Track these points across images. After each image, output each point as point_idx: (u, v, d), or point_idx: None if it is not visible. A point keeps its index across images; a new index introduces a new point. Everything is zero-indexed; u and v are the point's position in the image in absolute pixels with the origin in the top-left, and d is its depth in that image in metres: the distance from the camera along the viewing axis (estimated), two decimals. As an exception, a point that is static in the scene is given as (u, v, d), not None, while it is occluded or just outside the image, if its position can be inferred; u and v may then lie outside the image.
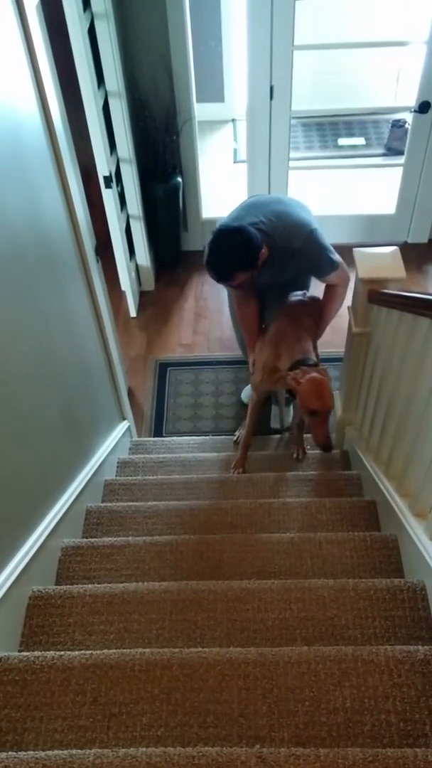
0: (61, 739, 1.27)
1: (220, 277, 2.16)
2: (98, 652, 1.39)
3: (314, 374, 2.03)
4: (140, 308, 3.91)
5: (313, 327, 2.36)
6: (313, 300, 2.49)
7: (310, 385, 2.01)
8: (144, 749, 1.11)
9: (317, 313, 2.44)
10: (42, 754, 1.12)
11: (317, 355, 2.30)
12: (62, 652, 1.40)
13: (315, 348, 2.32)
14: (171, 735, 1.27)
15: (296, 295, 2.49)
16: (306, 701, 1.30)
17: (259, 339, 2.50)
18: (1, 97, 1.51)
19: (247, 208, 2.29)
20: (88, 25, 2.80)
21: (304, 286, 2.57)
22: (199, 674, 1.34)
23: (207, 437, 3.08)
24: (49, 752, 1.12)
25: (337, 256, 2.29)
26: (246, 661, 1.36)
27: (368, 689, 1.31)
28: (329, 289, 2.44)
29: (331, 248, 2.28)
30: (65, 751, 1.12)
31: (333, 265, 2.28)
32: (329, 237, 2.31)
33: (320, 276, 2.37)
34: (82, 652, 1.40)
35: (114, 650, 1.40)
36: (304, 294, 2.52)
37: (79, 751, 1.12)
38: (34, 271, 1.75)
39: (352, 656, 1.36)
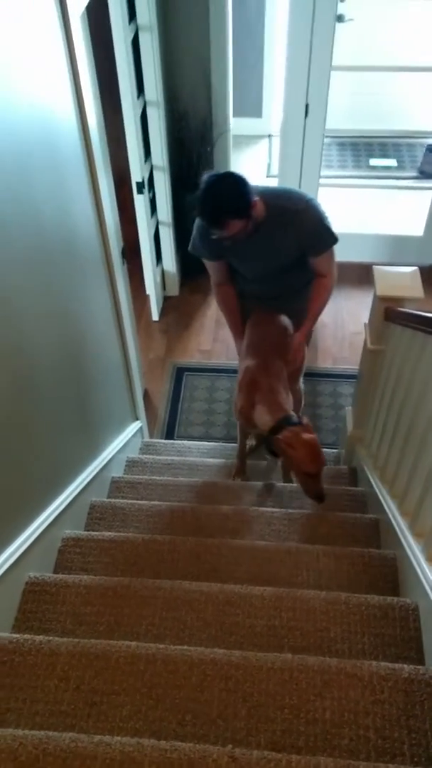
0: (41, 722, 1.29)
1: (212, 223, 2.05)
2: (85, 640, 1.42)
3: (306, 437, 2.02)
4: (163, 312, 3.97)
5: (283, 371, 2.29)
6: (285, 334, 2.42)
7: (306, 450, 2.01)
8: (119, 738, 1.13)
9: (287, 349, 2.38)
10: (20, 732, 1.14)
11: (298, 391, 2.26)
12: (51, 638, 1.42)
13: (297, 384, 2.29)
14: (149, 729, 1.28)
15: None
16: (285, 709, 1.31)
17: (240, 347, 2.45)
18: (41, 101, 1.57)
19: None
20: (132, 36, 2.89)
21: (300, 297, 2.46)
22: (182, 672, 1.36)
23: (217, 444, 3.10)
24: (27, 731, 1.15)
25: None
26: (229, 663, 1.37)
27: (349, 703, 1.31)
28: (318, 281, 2.39)
29: None
30: (42, 732, 1.14)
31: (333, 237, 2.21)
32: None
33: (320, 250, 2.26)
34: (70, 639, 1.43)
35: (101, 640, 1.42)
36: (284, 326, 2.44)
37: (56, 733, 1.14)
38: (59, 268, 1.80)
39: (336, 668, 1.36)
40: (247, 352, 2.36)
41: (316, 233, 2.21)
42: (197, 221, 2.23)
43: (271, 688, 1.33)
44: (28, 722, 1.28)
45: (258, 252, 2.22)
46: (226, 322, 2.63)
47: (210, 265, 2.42)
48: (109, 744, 1.10)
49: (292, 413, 2.14)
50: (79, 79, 1.79)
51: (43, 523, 1.80)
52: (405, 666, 1.37)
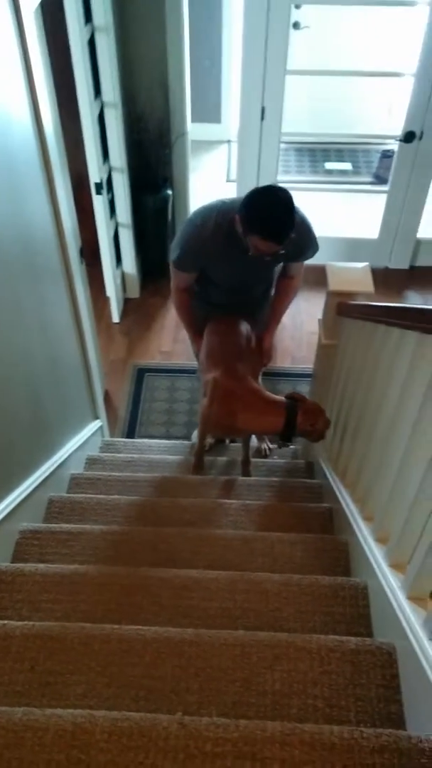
0: (-5, 704, 1.30)
1: (279, 240, 1.94)
2: (40, 623, 1.43)
3: (311, 405, 2.09)
4: (124, 314, 3.99)
5: (249, 370, 2.28)
6: (246, 338, 2.40)
7: (322, 416, 2.11)
8: (71, 711, 1.15)
9: (250, 351, 2.40)
10: (-29, 710, 1.15)
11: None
12: (5, 621, 1.43)
13: (257, 381, 2.32)
14: (103, 706, 1.30)
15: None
16: (237, 682, 1.34)
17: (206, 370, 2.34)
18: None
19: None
20: (88, 38, 2.92)
21: (261, 307, 2.51)
22: (136, 650, 1.38)
23: (177, 441, 3.13)
24: (-22, 709, 1.16)
25: None
26: (182, 640, 1.40)
27: (298, 674, 1.35)
28: (287, 281, 2.42)
29: None
30: (-6, 709, 1.15)
31: (317, 245, 2.25)
32: (313, 257, 2.37)
33: (306, 258, 2.30)
34: (25, 623, 1.44)
35: (55, 623, 1.43)
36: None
37: (8, 708, 1.15)
38: (14, 269, 1.80)
39: (286, 642, 1.40)
40: (209, 363, 2.29)
41: (309, 242, 2.25)
42: (187, 235, 2.16)
43: (223, 663, 1.37)
44: (-19, 704, 1.29)
45: (255, 263, 2.12)
46: (185, 326, 2.61)
47: (182, 276, 2.34)
48: (61, 716, 1.12)
49: (284, 399, 2.12)
50: (33, 77, 1.80)
51: (-3, 516, 1.80)
52: (352, 638, 1.42)
